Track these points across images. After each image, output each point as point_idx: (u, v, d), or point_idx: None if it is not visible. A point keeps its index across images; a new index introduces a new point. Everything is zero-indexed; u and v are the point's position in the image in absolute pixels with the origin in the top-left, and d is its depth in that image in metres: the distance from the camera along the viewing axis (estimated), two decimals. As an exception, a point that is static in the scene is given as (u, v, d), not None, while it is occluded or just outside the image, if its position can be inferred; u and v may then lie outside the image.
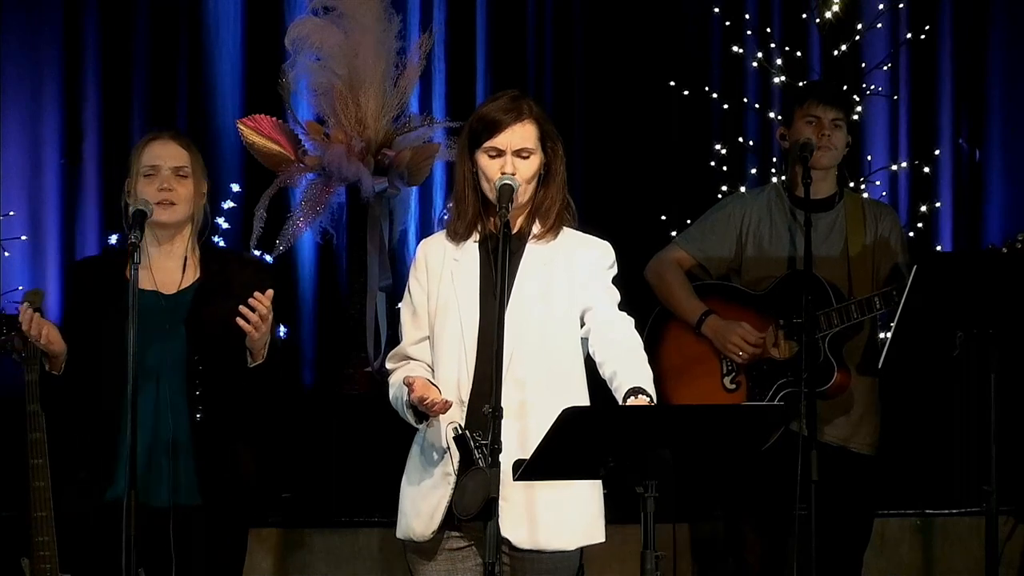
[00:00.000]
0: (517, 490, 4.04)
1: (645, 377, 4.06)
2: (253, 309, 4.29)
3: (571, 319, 4.16)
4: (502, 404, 3.89)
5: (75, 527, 4.60)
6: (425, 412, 4.06)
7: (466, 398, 4.08)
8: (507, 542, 4.07)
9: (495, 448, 3.83)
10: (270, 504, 6.34)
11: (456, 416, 4.04)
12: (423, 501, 4.11)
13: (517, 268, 4.15)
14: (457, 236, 4.20)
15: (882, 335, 5.46)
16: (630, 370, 4.05)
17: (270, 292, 4.33)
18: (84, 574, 4.54)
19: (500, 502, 3.91)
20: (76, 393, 4.46)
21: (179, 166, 4.52)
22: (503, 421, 3.88)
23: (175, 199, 4.49)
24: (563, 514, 4.11)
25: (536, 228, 4.18)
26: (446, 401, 4.03)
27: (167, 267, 4.52)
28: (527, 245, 4.18)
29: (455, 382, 4.09)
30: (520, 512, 4.07)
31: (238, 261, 4.70)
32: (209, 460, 4.45)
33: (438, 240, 4.26)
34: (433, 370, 4.18)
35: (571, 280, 4.16)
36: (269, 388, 4.52)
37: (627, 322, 4.17)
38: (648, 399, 3.98)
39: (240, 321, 4.29)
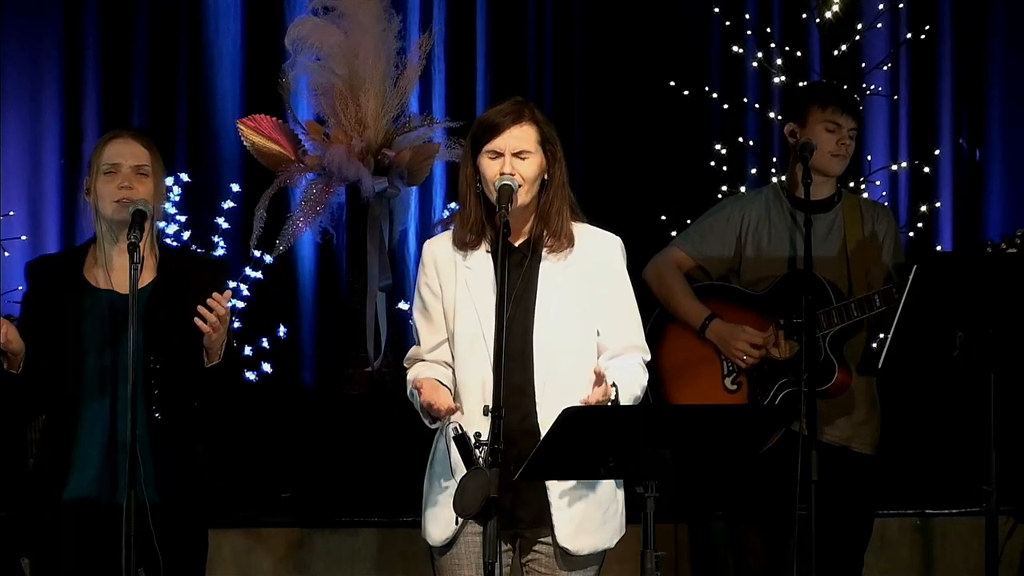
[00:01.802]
0: (569, 498, 4.09)
1: (628, 379, 4.11)
2: (211, 309, 4.29)
3: (592, 329, 4.18)
4: (539, 421, 4.04)
5: (30, 527, 4.58)
6: (435, 416, 4.08)
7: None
8: (563, 550, 4.11)
9: (495, 448, 3.84)
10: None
11: (483, 426, 3.97)
12: (440, 507, 4.11)
13: (536, 283, 4.16)
14: (464, 244, 4.21)
15: (881, 335, 5.46)
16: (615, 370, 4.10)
17: (228, 293, 4.34)
18: (44, 573, 4.52)
19: (552, 511, 4.06)
20: (33, 393, 4.46)
21: (139, 164, 4.52)
22: (541, 435, 3.98)
23: (134, 197, 4.48)
24: (608, 511, 4.18)
25: (547, 236, 4.18)
26: (451, 407, 4.03)
27: (124, 266, 4.50)
28: (543, 259, 4.18)
29: (480, 394, 4.08)
30: (576, 520, 4.11)
31: (195, 261, 4.72)
32: (166, 459, 4.44)
33: (444, 242, 4.25)
34: (453, 369, 4.19)
35: (592, 288, 4.19)
36: (226, 387, 4.52)
37: (639, 367, 4.22)
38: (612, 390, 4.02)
39: (198, 321, 4.30)
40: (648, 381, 5.35)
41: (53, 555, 4.45)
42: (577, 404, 3.97)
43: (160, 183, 4.57)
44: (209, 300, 4.30)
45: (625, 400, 4.07)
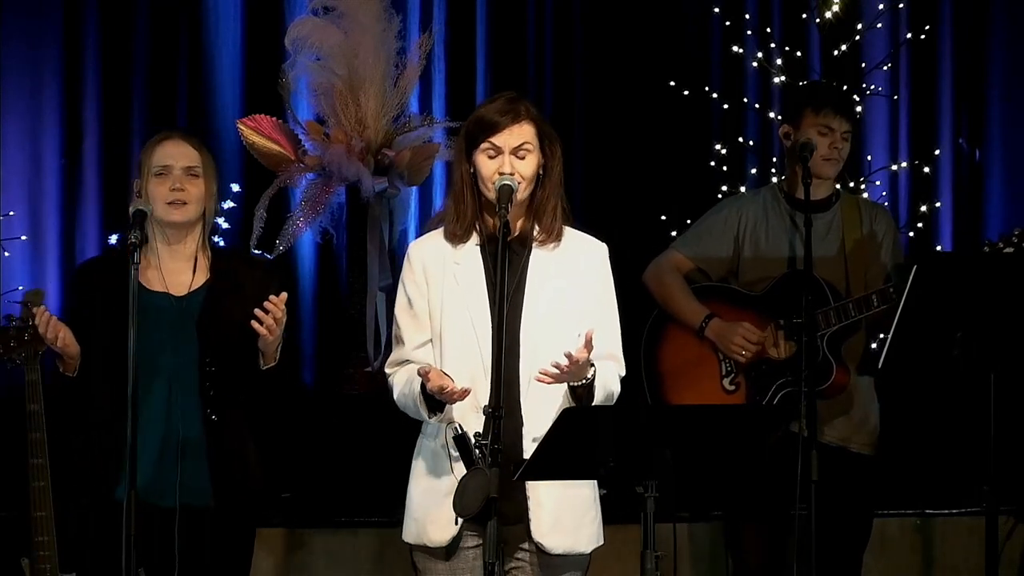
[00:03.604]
0: (547, 495, 4.08)
1: (605, 374, 4.10)
2: (267, 311, 4.30)
3: (576, 329, 4.16)
4: (523, 415, 4.03)
5: (80, 525, 4.60)
6: (443, 401, 4.04)
7: (484, 404, 4.05)
8: (537, 546, 4.10)
9: (495, 448, 3.84)
10: (271, 504, 6.34)
11: (474, 422, 4.01)
12: (438, 508, 4.08)
13: (525, 279, 4.15)
14: (455, 238, 4.19)
15: (881, 335, 5.46)
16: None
17: (284, 295, 4.34)
18: (90, 572, 4.53)
19: (530, 506, 4.05)
20: (88, 394, 4.46)
21: (190, 166, 4.53)
22: (524, 429, 4.02)
23: (187, 199, 4.49)
24: (585, 517, 4.17)
25: (538, 232, 4.18)
26: (464, 389, 4.01)
27: (177, 268, 4.53)
28: (531, 254, 4.18)
29: (471, 390, 4.06)
30: (552, 516, 4.10)
31: (247, 262, 4.71)
32: (221, 462, 4.45)
33: (432, 241, 4.24)
34: (442, 368, 4.16)
35: (579, 290, 4.18)
36: (279, 390, 4.53)
37: (616, 374, 4.20)
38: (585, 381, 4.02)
39: (255, 324, 4.30)
40: (647, 381, 5.39)
41: (102, 553, 4.45)
42: (556, 401, 4.00)
43: (211, 183, 4.57)
44: (266, 303, 4.30)
45: (598, 389, 4.07)
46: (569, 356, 3.94)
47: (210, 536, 4.43)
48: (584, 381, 4.03)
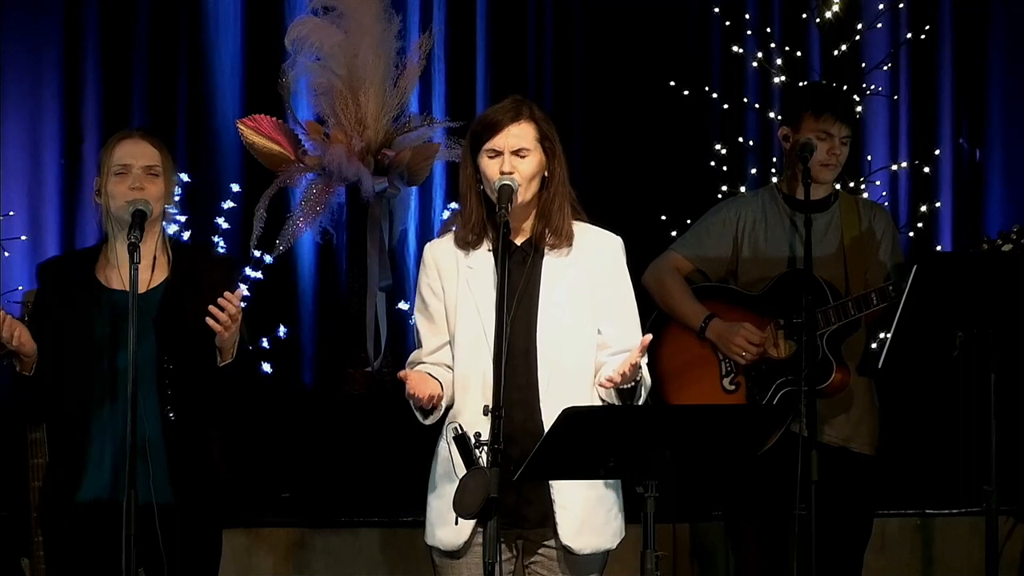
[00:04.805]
0: (572, 498, 4.10)
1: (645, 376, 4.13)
2: (222, 309, 4.29)
3: (595, 328, 4.20)
4: (543, 419, 4.05)
5: (45, 529, 4.60)
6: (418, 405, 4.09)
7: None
8: (565, 548, 4.12)
9: (496, 448, 3.84)
10: (269, 504, 6.35)
11: (485, 427, 3.97)
12: (448, 511, 4.08)
13: (539, 283, 4.17)
14: (467, 244, 4.21)
15: (882, 335, 5.46)
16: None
17: (239, 291, 4.33)
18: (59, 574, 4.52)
19: (556, 510, 4.07)
20: (45, 394, 4.46)
21: (150, 165, 4.51)
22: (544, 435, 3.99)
23: (147, 197, 4.48)
24: (610, 513, 4.19)
25: (548, 235, 4.19)
26: (430, 396, 4.05)
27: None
28: (544, 258, 4.19)
29: (481, 394, 4.08)
30: (578, 520, 4.12)
31: (207, 259, 4.69)
32: (181, 459, 4.43)
33: (445, 244, 4.26)
34: (454, 371, 4.19)
35: (594, 287, 4.21)
36: (239, 387, 4.51)
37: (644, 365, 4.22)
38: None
39: (209, 321, 4.29)
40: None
41: (67, 557, 4.44)
42: (579, 404, 4.00)
43: (170, 183, 4.56)
44: (220, 299, 4.29)
45: (645, 385, 4.12)
46: (633, 366, 4.01)
47: (174, 533, 4.40)
48: (634, 383, 4.08)
